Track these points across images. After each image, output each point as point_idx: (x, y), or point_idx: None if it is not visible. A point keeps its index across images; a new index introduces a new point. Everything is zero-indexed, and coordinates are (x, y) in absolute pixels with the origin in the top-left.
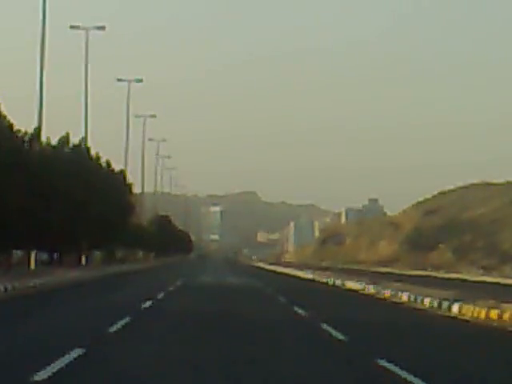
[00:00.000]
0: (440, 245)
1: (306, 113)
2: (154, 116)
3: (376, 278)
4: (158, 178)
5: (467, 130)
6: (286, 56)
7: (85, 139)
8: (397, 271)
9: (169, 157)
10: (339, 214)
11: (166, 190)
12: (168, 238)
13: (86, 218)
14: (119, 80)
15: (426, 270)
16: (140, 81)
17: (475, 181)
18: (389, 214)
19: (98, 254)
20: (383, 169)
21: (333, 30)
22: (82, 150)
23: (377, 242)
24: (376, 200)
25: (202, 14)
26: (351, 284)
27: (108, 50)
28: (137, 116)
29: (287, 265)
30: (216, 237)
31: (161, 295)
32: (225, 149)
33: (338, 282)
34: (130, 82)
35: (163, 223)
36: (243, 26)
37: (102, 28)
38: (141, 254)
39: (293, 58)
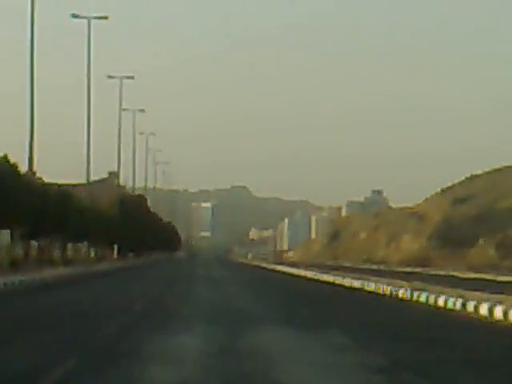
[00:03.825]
0: (480, 240)
1: (299, 102)
2: (142, 110)
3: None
4: (146, 172)
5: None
6: (278, 40)
7: None
8: (488, 277)
9: (160, 150)
10: (339, 208)
11: (156, 185)
12: (142, 228)
13: None
14: (110, 77)
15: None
16: (131, 77)
17: (509, 163)
18: (393, 205)
19: None
20: (381, 159)
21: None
22: None
23: (398, 236)
24: (380, 191)
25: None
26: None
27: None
28: (125, 109)
29: (306, 266)
30: (207, 234)
31: None
32: (215, 144)
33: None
34: (121, 78)
35: (132, 206)
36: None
37: (105, 18)
38: (84, 250)
39: (285, 42)
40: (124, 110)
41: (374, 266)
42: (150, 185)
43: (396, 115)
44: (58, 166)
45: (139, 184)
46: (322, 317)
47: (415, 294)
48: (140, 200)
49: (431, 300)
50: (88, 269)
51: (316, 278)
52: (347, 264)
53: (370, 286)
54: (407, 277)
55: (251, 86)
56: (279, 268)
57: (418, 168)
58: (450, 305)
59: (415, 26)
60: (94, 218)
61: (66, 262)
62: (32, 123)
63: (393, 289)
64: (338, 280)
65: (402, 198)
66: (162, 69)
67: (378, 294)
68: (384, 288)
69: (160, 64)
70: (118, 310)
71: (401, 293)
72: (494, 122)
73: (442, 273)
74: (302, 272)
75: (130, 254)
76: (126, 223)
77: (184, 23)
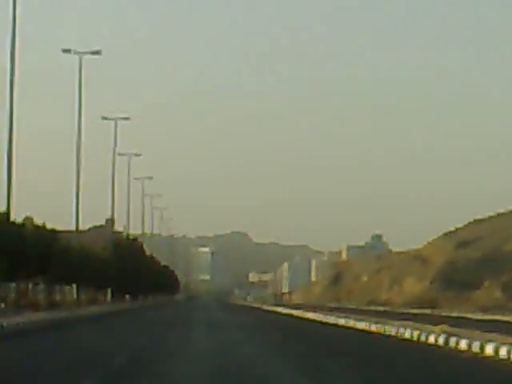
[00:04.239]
0: (485, 282)
1: (296, 146)
2: (138, 155)
3: None
4: (142, 216)
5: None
6: (276, 84)
7: None
8: None
9: (159, 195)
10: (339, 253)
11: (155, 231)
12: (138, 272)
13: None
14: (104, 118)
15: None
16: (127, 118)
17: None
18: (393, 249)
19: None
20: (380, 204)
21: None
22: None
23: (401, 279)
24: (380, 236)
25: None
26: None
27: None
28: (120, 154)
29: (312, 308)
30: (207, 277)
31: None
32: (213, 190)
33: None
34: (116, 120)
35: (127, 249)
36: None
37: (97, 53)
38: (74, 294)
39: (283, 85)
40: (120, 154)
41: (380, 308)
42: (149, 230)
43: (396, 158)
44: (58, 213)
45: (138, 231)
46: None
47: (452, 340)
48: (135, 243)
49: (475, 348)
50: (74, 313)
51: (326, 321)
52: (351, 306)
53: (392, 331)
54: (418, 318)
55: (248, 130)
56: (284, 311)
57: (417, 213)
58: (502, 354)
59: (416, 58)
60: (84, 260)
61: (52, 306)
62: (9, 163)
63: (420, 333)
64: (351, 323)
65: (401, 242)
66: (157, 112)
67: (402, 340)
68: (410, 332)
69: (155, 106)
70: (85, 372)
71: (432, 338)
72: (496, 165)
73: (453, 314)
74: (309, 315)
75: (127, 297)
76: (120, 266)
77: (180, 60)
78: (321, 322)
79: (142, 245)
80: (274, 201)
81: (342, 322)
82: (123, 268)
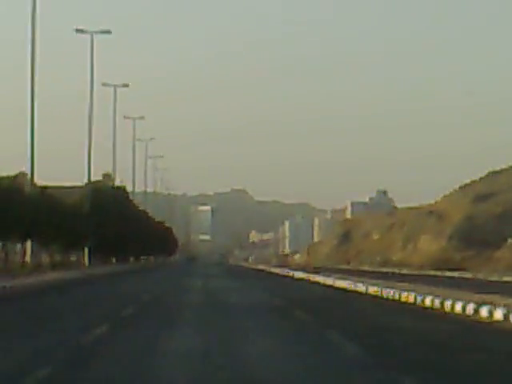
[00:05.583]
0: (508, 240)
1: (298, 104)
2: (142, 118)
3: None
4: (133, 169)
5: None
6: (276, 44)
7: None
8: None
9: (161, 156)
10: (343, 210)
11: (153, 189)
12: (125, 228)
13: None
14: (104, 85)
15: None
16: (126, 85)
17: None
18: (398, 205)
19: None
20: (379, 161)
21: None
22: None
23: (416, 237)
24: (385, 192)
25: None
26: None
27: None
28: (126, 117)
29: (331, 273)
30: (207, 237)
31: None
32: (214, 147)
33: None
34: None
35: (110, 199)
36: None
37: (108, 32)
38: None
39: (283, 45)
40: (126, 118)
41: (405, 271)
42: (149, 190)
43: (400, 116)
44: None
45: (137, 189)
46: None
47: None
48: (120, 192)
49: None
50: (15, 283)
51: (376, 293)
52: (366, 268)
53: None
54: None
55: (250, 89)
56: (301, 275)
57: (419, 167)
58: None
59: (418, 24)
60: (40, 209)
61: None
62: None
63: None
64: (426, 300)
65: (406, 198)
66: (159, 73)
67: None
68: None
69: (158, 69)
70: None
71: None
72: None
73: (493, 278)
74: (334, 281)
75: (113, 260)
76: (101, 220)
77: (181, 28)
78: (376, 297)
79: (127, 195)
80: (275, 158)
81: (411, 297)
82: (104, 222)
